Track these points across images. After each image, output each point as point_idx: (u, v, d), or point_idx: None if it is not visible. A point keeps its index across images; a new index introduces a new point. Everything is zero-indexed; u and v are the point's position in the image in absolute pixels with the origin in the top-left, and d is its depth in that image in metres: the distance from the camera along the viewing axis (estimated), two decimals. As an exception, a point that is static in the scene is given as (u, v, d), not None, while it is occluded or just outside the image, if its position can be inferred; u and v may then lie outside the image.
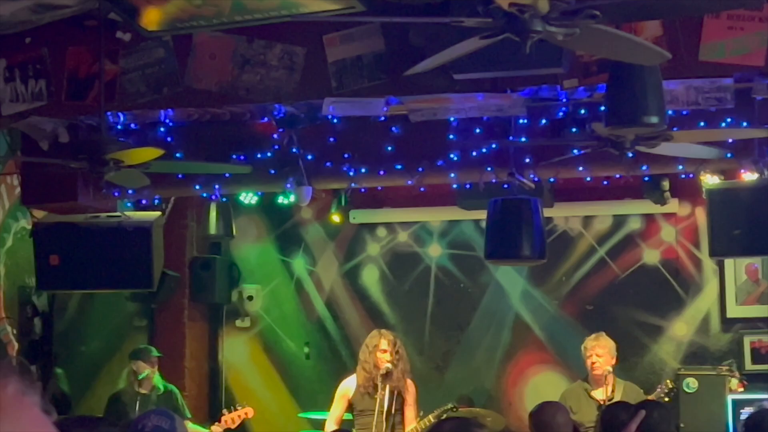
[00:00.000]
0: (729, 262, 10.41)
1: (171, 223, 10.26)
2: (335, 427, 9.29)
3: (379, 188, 10.01)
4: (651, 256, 10.81)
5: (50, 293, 11.16)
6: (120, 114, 8.43)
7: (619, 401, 8.38)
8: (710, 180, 8.85)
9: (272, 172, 8.92)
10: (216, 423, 9.98)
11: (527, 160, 8.56)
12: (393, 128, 8.66)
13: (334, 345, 11.47)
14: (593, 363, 9.21)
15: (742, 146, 8.04)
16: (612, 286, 10.86)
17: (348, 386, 9.45)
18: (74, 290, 10.92)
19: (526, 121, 8.34)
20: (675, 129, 7.20)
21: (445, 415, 9.46)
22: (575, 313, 10.93)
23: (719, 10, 6.55)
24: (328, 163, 8.88)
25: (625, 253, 10.87)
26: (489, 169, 8.70)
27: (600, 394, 9.14)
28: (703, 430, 9.45)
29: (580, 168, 8.55)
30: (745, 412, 9.24)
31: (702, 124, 7.90)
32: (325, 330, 11.52)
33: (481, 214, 9.13)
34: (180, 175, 8.97)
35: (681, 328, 10.66)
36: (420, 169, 8.78)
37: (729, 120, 7.89)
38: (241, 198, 10.46)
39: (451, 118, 8.43)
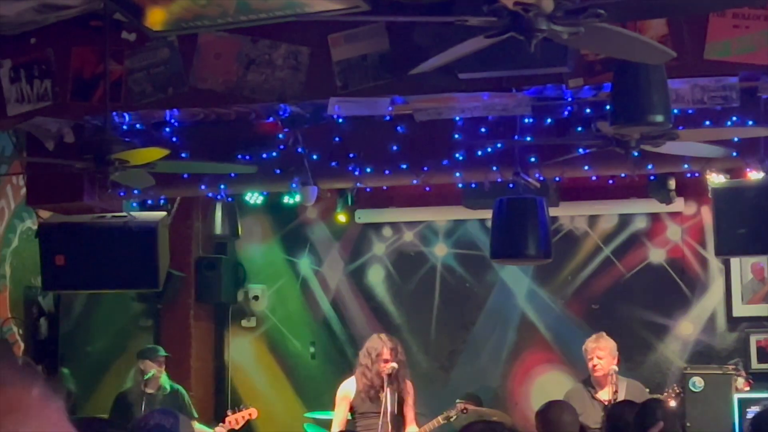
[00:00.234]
0: (735, 261, 10.39)
1: (176, 223, 10.27)
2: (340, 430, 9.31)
3: (385, 188, 10.00)
4: (657, 255, 10.80)
5: (56, 293, 11.17)
6: (125, 114, 8.43)
7: (624, 400, 8.37)
8: (716, 179, 8.85)
9: (277, 171, 8.92)
10: (220, 424, 9.98)
11: (532, 160, 8.55)
12: (398, 128, 8.66)
13: (340, 345, 11.47)
14: (594, 365, 9.20)
15: (748, 145, 8.03)
16: (618, 286, 10.85)
17: (348, 389, 9.44)
18: (80, 290, 10.92)
19: (531, 120, 8.33)
20: (680, 128, 7.19)
21: (454, 416, 9.47)
22: (581, 312, 10.92)
23: (724, 8, 6.54)
24: (333, 163, 8.88)
25: (631, 253, 10.85)
26: (494, 168, 8.69)
27: (604, 394, 9.13)
28: (709, 429, 9.43)
29: (586, 167, 8.54)
30: (752, 411, 9.23)
31: (707, 122, 7.89)
32: (331, 330, 11.52)
33: (487, 214, 9.13)
34: (185, 175, 8.98)
35: (687, 327, 10.65)
36: (425, 168, 8.78)
37: (734, 119, 7.88)
38: (247, 198, 10.46)
39: (457, 118, 8.43)
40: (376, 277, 11.48)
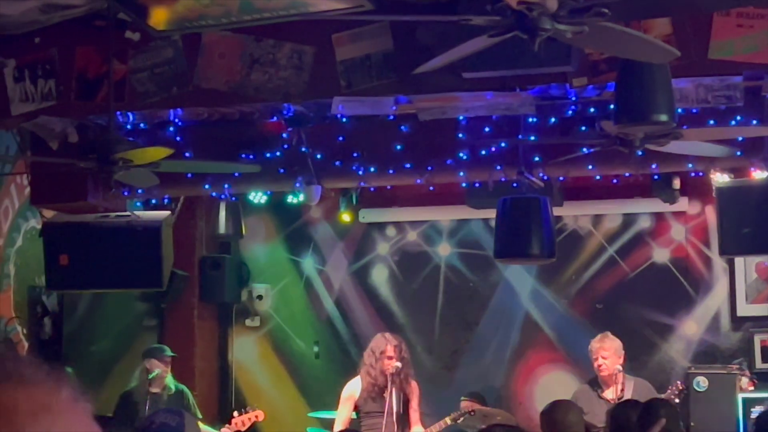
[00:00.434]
0: (739, 261, 10.38)
1: (180, 222, 10.27)
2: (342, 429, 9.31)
3: (389, 187, 10.01)
4: (661, 254, 10.79)
5: (60, 293, 11.18)
6: (129, 114, 8.44)
7: (628, 400, 8.37)
8: (720, 178, 8.84)
9: (281, 171, 8.93)
10: (226, 425, 9.98)
11: (536, 159, 8.55)
12: (402, 127, 8.66)
13: (344, 344, 11.47)
14: (600, 365, 9.20)
15: (752, 144, 8.03)
16: (622, 285, 10.84)
17: (353, 388, 9.45)
18: (84, 290, 10.92)
19: (535, 119, 8.33)
20: (684, 127, 7.19)
21: (461, 418, 9.46)
22: (585, 311, 10.91)
23: (729, 7, 6.53)
24: (337, 162, 8.88)
25: (635, 252, 10.84)
26: (498, 167, 8.69)
27: (610, 394, 9.13)
28: (713, 428, 9.43)
29: (590, 166, 8.54)
30: (756, 410, 9.23)
31: (712, 122, 7.89)
32: (335, 329, 11.52)
33: (491, 213, 9.13)
34: (189, 175, 8.98)
35: (691, 327, 10.64)
36: (429, 167, 8.78)
37: (739, 118, 7.87)
38: (251, 197, 10.46)
39: (460, 117, 8.43)
40: (380, 277, 11.48)
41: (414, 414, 9.35)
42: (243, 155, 8.81)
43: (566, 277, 10.95)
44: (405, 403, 9.28)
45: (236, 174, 9.05)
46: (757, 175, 8.61)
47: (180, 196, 10.15)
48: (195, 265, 11.12)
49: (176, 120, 8.84)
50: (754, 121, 7.85)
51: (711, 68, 6.99)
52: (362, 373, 9.41)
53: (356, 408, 9.43)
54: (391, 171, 8.86)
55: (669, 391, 9.21)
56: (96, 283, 9.49)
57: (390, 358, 9.22)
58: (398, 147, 8.73)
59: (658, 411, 6.47)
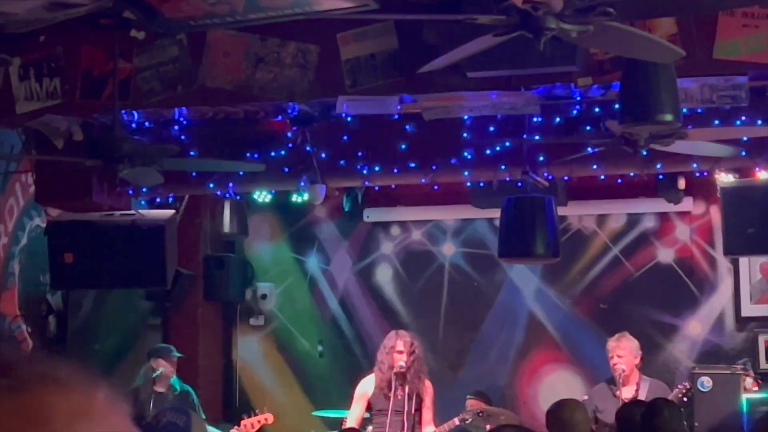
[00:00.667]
0: (743, 261, 10.37)
1: (185, 221, 10.27)
2: (355, 427, 9.31)
3: (393, 186, 10.01)
4: (665, 254, 10.78)
5: (64, 291, 11.19)
6: (134, 112, 8.45)
7: (635, 400, 8.38)
8: (725, 178, 8.84)
9: (286, 170, 8.93)
10: (235, 428, 9.98)
11: (541, 159, 8.55)
12: (407, 126, 8.67)
13: (348, 343, 11.47)
14: (615, 364, 9.20)
15: (757, 144, 8.03)
16: (626, 285, 10.83)
17: (367, 386, 9.43)
18: (88, 288, 10.93)
19: (539, 119, 8.33)
20: (689, 127, 7.19)
21: (470, 419, 9.46)
22: (589, 311, 10.91)
23: (734, 7, 6.53)
24: (341, 162, 8.89)
25: (639, 252, 10.84)
26: (503, 167, 8.69)
27: (626, 393, 9.15)
28: (717, 428, 9.42)
29: (594, 166, 8.54)
30: (760, 411, 9.22)
31: (716, 122, 7.88)
32: (339, 328, 11.52)
33: (495, 213, 9.13)
34: (194, 174, 8.99)
35: (695, 327, 10.63)
36: (434, 167, 8.78)
37: (743, 118, 7.87)
38: (255, 196, 10.47)
39: (465, 116, 8.43)
40: (384, 276, 11.48)
41: (427, 413, 9.31)
42: (248, 154, 8.82)
43: (571, 276, 10.94)
44: (418, 402, 9.25)
45: (241, 173, 9.06)
46: (762, 175, 8.62)
47: (184, 194, 10.15)
48: (199, 264, 11.12)
49: (181, 119, 8.85)
50: (759, 121, 7.85)
51: (716, 68, 6.99)
52: (375, 370, 9.41)
53: (370, 405, 9.38)
54: (395, 170, 8.86)
55: (677, 390, 9.20)
56: (100, 282, 9.50)
57: (399, 352, 9.21)
58: (403, 146, 8.74)
59: (662, 410, 6.48)
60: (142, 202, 9.82)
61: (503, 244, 8.75)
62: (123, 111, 8.01)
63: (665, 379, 9.83)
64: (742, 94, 7.51)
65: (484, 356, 11.09)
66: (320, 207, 11.02)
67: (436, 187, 9.60)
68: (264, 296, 11.63)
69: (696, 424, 9.35)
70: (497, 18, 4.97)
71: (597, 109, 8.19)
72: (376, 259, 11.50)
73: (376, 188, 9.78)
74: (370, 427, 9.47)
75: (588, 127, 8.17)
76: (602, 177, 9.30)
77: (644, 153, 7.17)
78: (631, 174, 9.28)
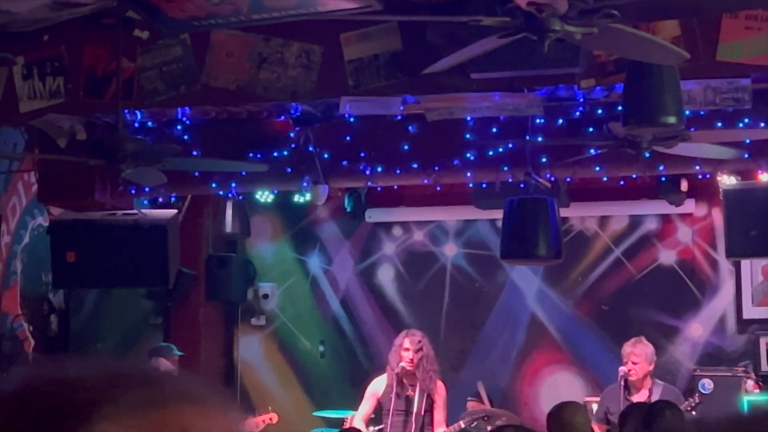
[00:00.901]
0: (745, 263, 10.38)
1: (187, 221, 10.28)
2: (362, 424, 9.29)
3: (395, 187, 10.01)
4: (667, 256, 10.78)
5: (67, 290, 11.19)
6: (137, 112, 8.45)
7: (635, 403, 8.38)
8: (727, 180, 8.84)
9: (289, 170, 8.94)
10: None
11: (544, 160, 8.55)
12: (410, 127, 8.67)
13: (349, 344, 11.47)
14: (629, 370, 9.21)
15: (760, 147, 8.03)
16: (628, 287, 10.84)
17: (377, 385, 9.40)
18: (90, 288, 10.94)
19: (542, 120, 8.33)
20: (692, 129, 7.19)
21: (474, 423, 9.46)
22: (591, 313, 10.91)
23: (737, 9, 6.53)
24: (344, 162, 8.89)
25: (641, 254, 10.84)
26: (505, 168, 8.70)
27: (639, 397, 9.17)
28: (718, 431, 9.41)
29: (597, 168, 8.54)
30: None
31: (719, 124, 7.88)
32: (341, 329, 11.52)
33: (497, 214, 9.14)
34: (196, 173, 8.99)
35: (697, 329, 10.64)
36: (436, 168, 8.79)
37: (746, 120, 7.88)
38: (257, 196, 10.47)
39: (468, 118, 8.43)
40: (386, 277, 11.48)
41: (438, 414, 9.25)
42: (250, 154, 8.82)
43: (572, 278, 10.95)
44: (429, 402, 9.21)
45: (243, 173, 9.06)
46: (765, 177, 8.62)
47: (187, 194, 10.15)
48: (201, 263, 11.12)
49: (184, 118, 8.86)
50: (762, 124, 7.85)
51: (719, 70, 6.98)
52: (387, 369, 9.39)
53: (380, 404, 9.32)
54: (398, 171, 8.87)
55: (686, 402, 9.15)
56: (102, 281, 9.51)
57: (406, 350, 9.19)
58: (405, 147, 8.74)
59: (663, 411, 6.48)
60: (145, 202, 9.82)
61: (505, 245, 8.76)
62: (126, 110, 8.00)
63: (667, 381, 9.83)
64: (745, 96, 7.51)
65: (486, 357, 11.09)
66: (322, 207, 11.02)
67: (438, 188, 9.60)
68: (266, 296, 11.63)
69: (697, 426, 9.34)
70: (501, 20, 4.97)
71: (600, 111, 8.19)
72: (378, 260, 11.50)
73: (379, 189, 9.79)
74: (371, 427, 9.46)
75: (591, 129, 8.17)
76: (605, 179, 9.31)
77: (647, 155, 7.17)
78: (634, 176, 9.29)
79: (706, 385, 9.58)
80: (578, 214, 10.72)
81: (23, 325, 10.71)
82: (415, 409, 9.07)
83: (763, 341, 10.41)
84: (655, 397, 9.05)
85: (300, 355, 11.59)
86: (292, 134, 8.88)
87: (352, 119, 8.62)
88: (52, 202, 9.61)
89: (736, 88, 7.49)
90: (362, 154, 8.86)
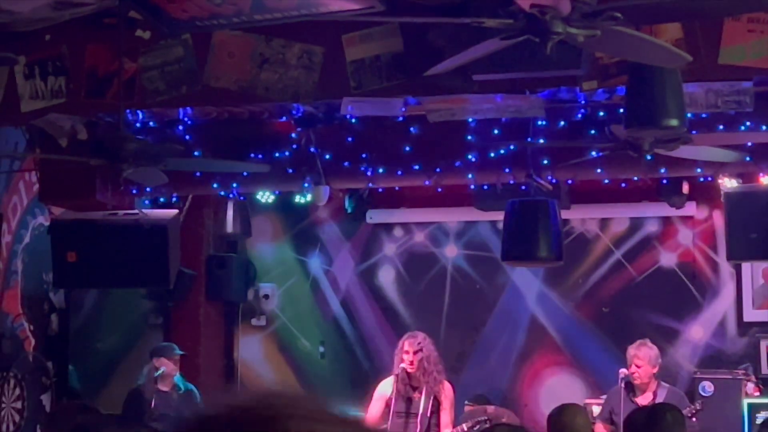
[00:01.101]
0: (746, 266, 10.38)
1: (188, 221, 10.28)
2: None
3: (397, 188, 10.01)
4: (668, 259, 10.78)
5: (67, 290, 11.19)
6: (139, 112, 8.46)
7: (639, 408, 8.39)
8: (728, 183, 8.84)
9: (290, 171, 8.95)
10: None
11: (545, 162, 8.56)
12: (411, 128, 8.67)
13: (350, 345, 11.47)
14: (633, 372, 9.22)
15: (761, 150, 8.04)
16: (628, 289, 10.84)
17: (385, 387, 9.36)
18: (91, 287, 10.94)
19: (544, 122, 8.34)
20: (694, 132, 7.19)
21: (477, 426, 9.46)
22: (591, 315, 10.91)
23: (740, 12, 6.52)
24: (345, 163, 8.90)
25: (642, 256, 10.84)
26: (507, 170, 8.70)
27: (643, 400, 9.18)
28: (718, 433, 9.43)
29: (598, 170, 8.55)
30: (761, 416, 9.23)
31: (721, 127, 7.89)
32: (341, 329, 11.52)
33: (498, 215, 9.14)
34: (198, 174, 9.00)
35: (697, 332, 10.64)
36: (438, 169, 8.79)
37: (748, 123, 7.88)
38: (258, 197, 10.47)
39: (470, 119, 8.43)
40: (387, 278, 11.48)
41: (444, 416, 9.21)
42: (252, 155, 8.83)
43: (573, 280, 10.95)
44: (436, 404, 9.18)
45: (244, 173, 9.07)
46: (766, 180, 8.62)
47: (188, 194, 10.16)
48: (202, 263, 11.12)
49: (185, 119, 8.86)
50: (764, 127, 7.85)
51: (721, 73, 6.98)
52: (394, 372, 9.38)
53: (388, 407, 9.28)
54: (399, 172, 8.87)
55: (688, 408, 9.14)
56: (103, 281, 9.51)
57: (406, 352, 9.18)
58: (407, 148, 8.75)
59: (664, 414, 6.47)
60: (146, 202, 9.83)
61: (506, 246, 8.75)
62: (127, 110, 8.01)
63: (667, 383, 9.83)
64: (747, 99, 7.51)
65: (486, 359, 11.09)
66: (323, 208, 11.03)
67: (439, 189, 9.60)
68: (266, 296, 11.63)
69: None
70: (504, 22, 4.97)
71: (602, 113, 8.19)
72: (379, 261, 11.50)
73: (380, 190, 9.79)
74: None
75: (592, 131, 8.18)
76: (606, 181, 9.31)
77: (648, 157, 7.17)
78: (635, 178, 9.29)
79: (707, 387, 9.58)
80: (579, 216, 10.72)
81: (23, 324, 10.71)
82: (420, 411, 9.05)
83: (763, 344, 10.41)
84: (659, 400, 9.05)
85: (300, 355, 11.59)
86: (293, 135, 8.88)
87: (353, 120, 8.62)
88: (53, 201, 9.62)
89: (738, 91, 7.48)
90: (363, 155, 8.86)
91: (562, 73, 6.80)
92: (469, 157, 8.67)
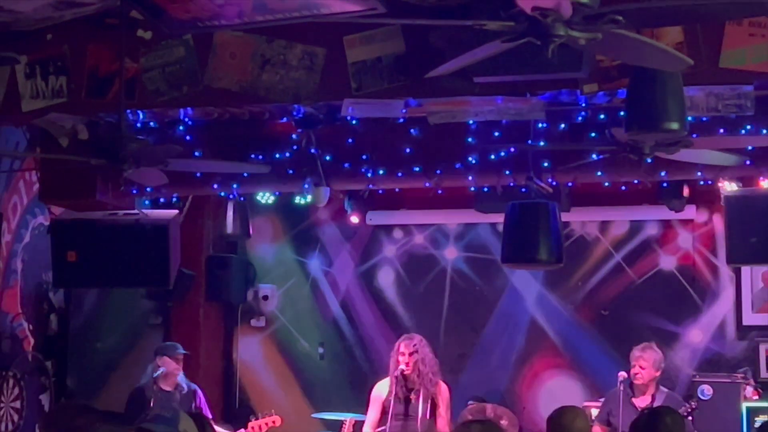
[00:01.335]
0: (746, 269, 10.39)
1: (188, 221, 10.28)
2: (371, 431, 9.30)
3: (397, 190, 10.01)
4: (667, 262, 10.79)
5: (66, 290, 11.19)
6: (139, 112, 8.45)
7: (641, 414, 8.40)
8: (729, 187, 8.84)
9: (290, 172, 8.95)
10: (242, 430, 9.98)
11: (545, 164, 8.56)
12: (412, 130, 8.67)
13: (349, 346, 11.47)
14: (636, 373, 9.25)
15: (762, 153, 8.04)
16: (628, 292, 10.84)
17: (381, 389, 9.37)
18: (90, 287, 10.94)
19: (545, 125, 8.33)
20: (694, 135, 7.19)
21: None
22: (591, 318, 10.92)
23: (741, 16, 6.52)
24: (346, 164, 8.90)
25: (642, 259, 10.85)
26: (507, 172, 8.70)
27: (641, 402, 9.21)
28: (717, 437, 9.44)
29: (599, 173, 8.55)
30: (760, 419, 9.23)
31: (722, 130, 7.89)
32: (340, 331, 11.52)
33: (498, 218, 9.13)
34: (198, 174, 8.99)
35: (696, 335, 10.64)
36: (438, 171, 8.79)
37: (749, 127, 7.88)
38: (258, 197, 10.47)
39: (470, 121, 8.43)
40: (386, 279, 11.49)
41: (440, 419, 9.20)
42: (252, 155, 8.82)
43: (572, 282, 10.95)
44: (433, 406, 9.18)
45: (245, 174, 9.06)
46: (766, 184, 8.62)
47: (188, 195, 10.16)
48: (202, 264, 11.13)
49: (186, 119, 8.86)
50: (764, 131, 7.85)
51: (722, 77, 6.97)
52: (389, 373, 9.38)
53: (384, 409, 9.29)
54: (399, 174, 8.87)
55: (682, 408, 9.15)
56: (103, 281, 9.50)
57: (402, 354, 9.18)
58: (407, 150, 8.74)
59: (664, 417, 6.47)
60: (146, 202, 9.83)
61: (506, 249, 8.75)
62: (128, 110, 8.00)
63: (666, 387, 9.83)
64: (748, 103, 7.50)
65: (485, 361, 11.09)
66: (323, 209, 11.03)
67: (439, 191, 9.60)
68: (265, 297, 11.63)
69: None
70: (506, 24, 4.97)
71: (602, 116, 8.19)
72: (379, 262, 11.51)
73: (380, 191, 9.78)
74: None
75: (593, 134, 8.17)
76: (606, 184, 9.30)
77: (649, 160, 7.16)
78: (635, 181, 9.28)
79: (706, 391, 9.59)
80: (579, 219, 10.73)
81: (23, 323, 10.71)
82: (419, 414, 9.04)
83: (762, 348, 10.42)
84: (657, 404, 9.06)
85: (299, 356, 11.59)
86: (294, 136, 8.87)
87: (354, 121, 8.62)
88: (54, 201, 9.62)
89: (739, 95, 7.48)
90: (364, 157, 8.86)
91: (563, 76, 6.79)
92: (470, 159, 8.67)
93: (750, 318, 10.54)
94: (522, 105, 7.95)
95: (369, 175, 8.90)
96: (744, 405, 9.52)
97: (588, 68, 6.65)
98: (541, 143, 8.34)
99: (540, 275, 10.95)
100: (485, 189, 9.25)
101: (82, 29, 7.57)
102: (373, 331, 11.29)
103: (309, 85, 7.42)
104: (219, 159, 8.64)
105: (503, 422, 9.64)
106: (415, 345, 9.24)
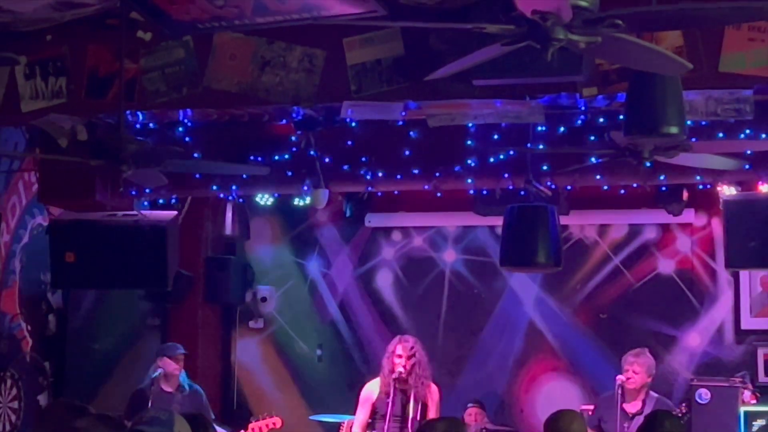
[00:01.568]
0: (744, 274, 10.39)
1: (187, 223, 10.27)
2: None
3: (396, 192, 10.01)
4: (666, 266, 10.79)
5: (65, 291, 11.19)
6: (139, 113, 8.45)
7: (638, 414, 8.42)
8: (728, 191, 8.84)
9: (289, 174, 8.95)
10: (242, 431, 9.97)
11: (544, 168, 8.56)
12: (411, 133, 8.68)
13: (347, 348, 11.47)
14: (629, 378, 9.26)
15: (761, 158, 8.04)
16: (626, 295, 10.85)
17: (371, 389, 9.38)
18: (89, 288, 10.94)
19: (544, 128, 8.34)
20: (694, 139, 7.19)
21: None
22: (589, 321, 10.92)
23: (740, 21, 6.52)
24: (345, 167, 8.90)
25: (640, 263, 10.85)
26: (506, 175, 8.71)
27: (632, 407, 9.22)
28: (715, 441, 9.43)
29: (598, 176, 8.55)
30: (757, 423, 9.23)
31: (721, 135, 7.90)
32: (338, 333, 11.52)
33: (497, 221, 9.14)
34: (197, 175, 9.00)
35: (695, 339, 10.64)
36: (437, 174, 8.80)
37: (748, 131, 7.89)
38: (257, 199, 10.47)
39: (469, 124, 8.43)
40: (385, 281, 11.49)
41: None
42: (251, 157, 8.83)
43: (571, 286, 10.95)
44: (424, 408, 9.19)
45: (244, 175, 9.07)
46: (765, 188, 8.63)
47: (187, 196, 10.16)
48: (200, 265, 11.12)
49: (186, 120, 8.86)
50: (763, 135, 7.86)
51: (721, 81, 6.98)
52: (380, 374, 9.38)
53: (374, 410, 9.30)
54: (398, 176, 8.87)
55: (675, 412, 9.16)
56: (101, 282, 9.50)
57: (399, 356, 9.19)
58: (407, 152, 8.75)
59: (663, 421, 6.48)
60: (145, 203, 9.82)
61: (505, 252, 8.75)
62: (128, 112, 8.00)
63: (664, 391, 9.86)
64: (747, 107, 7.51)
65: (483, 363, 11.10)
66: (322, 211, 11.02)
67: (438, 194, 9.61)
68: (264, 299, 11.63)
69: (694, 436, 9.36)
70: (505, 27, 4.97)
71: (601, 120, 8.20)
72: (377, 264, 11.51)
73: (379, 194, 9.79)
74: (367, 432, 9.45)
75: (592, 138, 8.18)
76: (605, 187, 9.31)
77: (648, 164, 7.17)
78: (634, 185, 9.29)
79: (703, 395, 9.58)
80: (578, 222, 10.73)
81: (21, 324, 10.71)
82: (411, 415, 9.06)
83: (760, 352, 10.42)
84: (648, 409, 9.08)
85: (297, 358, 11.59)
86: (293, 138, 8.88)
87: (353, 124, 8.63)
88: (53, 202, 9.62)
89: (738, 99, 7.48)
90: (363, 159, 8.87)
91: (563, 79, 6.80)
92: (469, 162, 8.68)
93: (748, 322, 10.54)
94: (521, 108, 7.95)
95: (368, 177, 8.90)
96: (742, 409, 9.51)
97: (587, 72, 6.66)
98: (541, 146, 8.35)
99: (538, 278, 10.95)
100: (484, 192, 9.26)
101: (81, 30, 7.57)
102: (371, 333, 11.29)
103: (308, 87, 7.43)
104: (218, 160, 8.64)
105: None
106: (412, 348, 9.26)
